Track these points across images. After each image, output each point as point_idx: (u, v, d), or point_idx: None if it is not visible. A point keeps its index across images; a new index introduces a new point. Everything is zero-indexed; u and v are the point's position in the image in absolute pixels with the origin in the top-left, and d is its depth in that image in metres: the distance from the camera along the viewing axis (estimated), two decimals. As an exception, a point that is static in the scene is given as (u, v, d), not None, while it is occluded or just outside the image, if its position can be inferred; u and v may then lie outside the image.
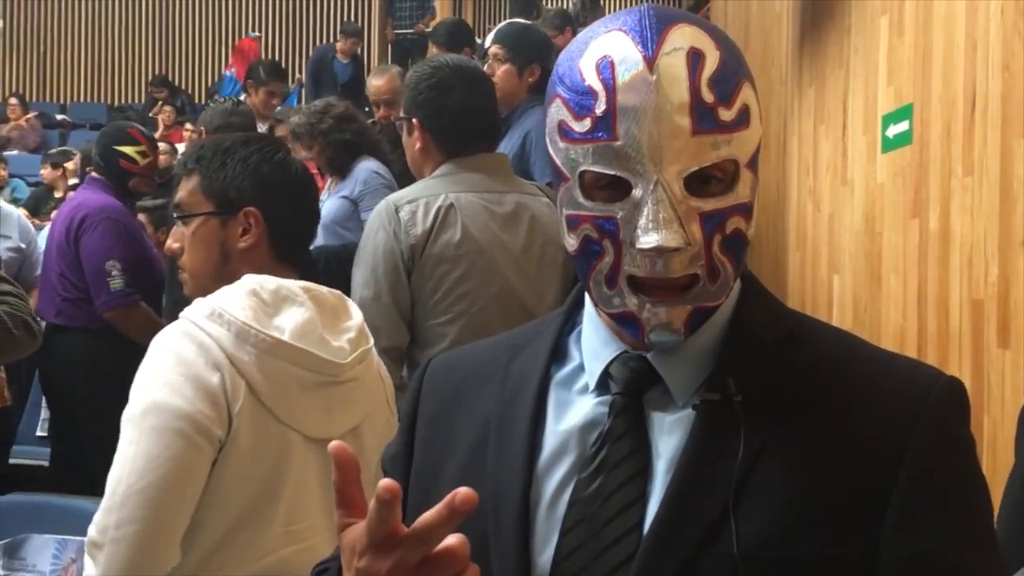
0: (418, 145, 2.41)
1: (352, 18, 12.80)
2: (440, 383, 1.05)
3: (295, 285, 1.54)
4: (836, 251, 3.77)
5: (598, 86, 0.87)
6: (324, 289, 1.58)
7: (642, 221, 0.86)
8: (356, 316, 1.62)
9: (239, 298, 1.48)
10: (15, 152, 9.26)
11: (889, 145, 3.16)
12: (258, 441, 1.44)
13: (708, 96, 0.86)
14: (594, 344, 0.96)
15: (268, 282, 1.52)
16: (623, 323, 0.91)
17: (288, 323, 1.48)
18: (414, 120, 2.40)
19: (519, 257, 2.36)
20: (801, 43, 4.43)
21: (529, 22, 5.59)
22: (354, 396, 1.57)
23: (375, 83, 4.22)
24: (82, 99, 12.88)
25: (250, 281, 1.52)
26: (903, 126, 3.03)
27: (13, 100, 10.44)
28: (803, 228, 4.32)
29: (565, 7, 10.38)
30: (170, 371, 1.42)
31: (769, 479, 0.87)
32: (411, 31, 10.91)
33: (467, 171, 2.38)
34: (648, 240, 0.85)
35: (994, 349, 2.40)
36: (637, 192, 0.86)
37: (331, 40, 12.34)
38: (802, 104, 4.41)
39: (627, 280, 0.88)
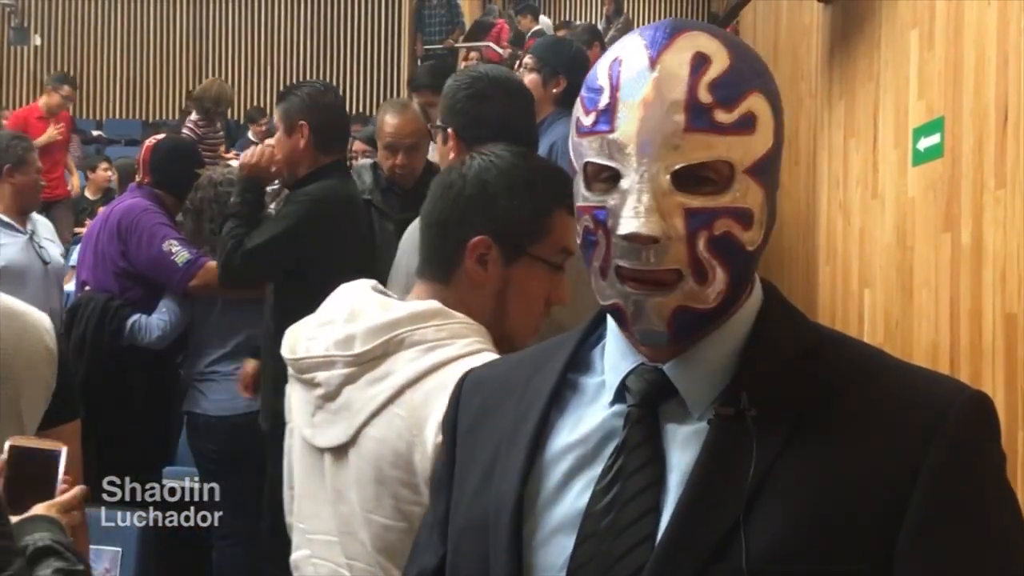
0: (452, 155, 2.35)
1: (382, 32, 12.90)
2: (471, 399, 1.06)
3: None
4: (867, 265, 3.74)
5: (605, 82, 0.92)
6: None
7: (625, 209, 0.89)
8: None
9: None
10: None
11: (920, 158, 3.13)
12: None
13: (705, 97, 0.88)
14: (614, 356, 0.97)
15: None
16: (613, 315, 0.94)
17: None
18: (449, 130, 2.35)
19: None
20: (831, 56, 4.41)
21: (564, 36, 5.54)
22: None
23: (391, 121, 3.38)
24: (117, 116, 13.10)
25: None
26: (934, 139, 3.00)
27: None
28: (833, 242, 4.29)
29: (595, 21, 10.41)
30: None
31: (780, 494, 0.86)
32: (440, 46, 10.96)
33: None
34: (625, 227, 0.88)
35: (1028, 364, 2.36)
36: (625, 183, 0.89)
37: (358, 57, 12.45)
38: (832, 117, 4.38)
39: (615, 270, 0.90)
